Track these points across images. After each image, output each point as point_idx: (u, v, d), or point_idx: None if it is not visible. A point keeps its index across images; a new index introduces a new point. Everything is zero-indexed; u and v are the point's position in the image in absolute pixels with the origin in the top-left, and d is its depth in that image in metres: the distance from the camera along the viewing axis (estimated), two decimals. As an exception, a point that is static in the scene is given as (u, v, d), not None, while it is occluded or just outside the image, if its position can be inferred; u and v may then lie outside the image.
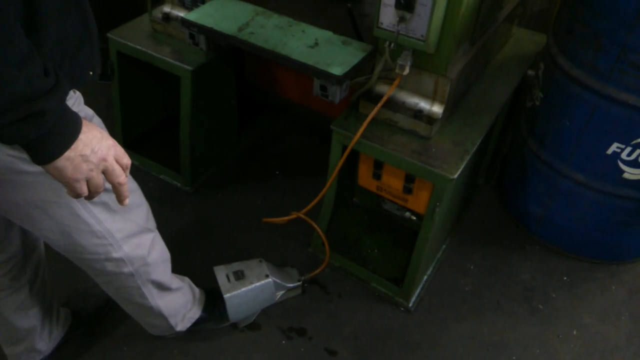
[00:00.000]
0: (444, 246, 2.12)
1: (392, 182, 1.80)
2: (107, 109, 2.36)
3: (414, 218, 2.11)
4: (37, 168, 0.93)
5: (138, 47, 2.01)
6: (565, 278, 2.06)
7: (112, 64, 2.10)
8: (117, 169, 0.97)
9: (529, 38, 2.17)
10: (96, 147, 0.92)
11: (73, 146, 0.89)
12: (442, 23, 1.42)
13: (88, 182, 0.94)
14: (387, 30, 1.44)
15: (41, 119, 0.82)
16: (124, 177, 0.99)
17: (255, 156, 2.50)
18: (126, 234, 1.27)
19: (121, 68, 2.14)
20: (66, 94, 0.88)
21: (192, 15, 1.79)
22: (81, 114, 0.95)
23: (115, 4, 2.50)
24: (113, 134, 1.17)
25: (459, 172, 1.55)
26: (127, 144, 2.36)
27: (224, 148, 2.42)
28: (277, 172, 2.42)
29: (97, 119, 1.13)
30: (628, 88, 1.62)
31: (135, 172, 1.13)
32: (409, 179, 1.75)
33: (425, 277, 2.00)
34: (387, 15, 1.42)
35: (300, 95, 2.30)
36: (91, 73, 1.04)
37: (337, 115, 1.71)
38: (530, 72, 2.00)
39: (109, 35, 2.04)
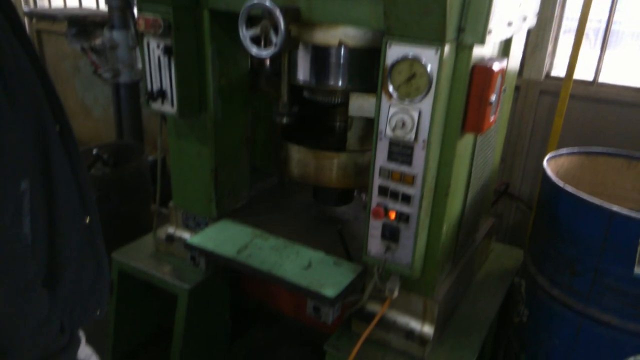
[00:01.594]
0: None
1: (388, 404, 1.76)
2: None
3: None
4: None
5: (139, 267, 2.11)
6: None
7: (113, 283, 2.18)
8: None
9: (507, 253, 2.31)
10: None
11: None
12: (425, 251, 1.55)
13: None
14: (375, 257, 1.57)
15: None
16: None
17: (247, 370, 2.44)
18: None
19: (120, 283, 2.21)
20: (78, 346, 0.93)
21: (195, 240, 1.92)
22: (82, 355, 0.98)
23: (124, 223, 2.67)
24: (103, 349, 1.19)
25: (454, 395, 1.55)
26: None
27: (216, 361, 2.38)
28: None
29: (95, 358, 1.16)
30: (608, 309, 1.68)
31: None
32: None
33: None
34: (375, 245, 1.55)
35: (293, 309, 2.34)
36: (98, 312, 1.10)
37: (330, 329, 1.74)
38: (514, 286, 2.09)
39: (112, 255, 2.15)
